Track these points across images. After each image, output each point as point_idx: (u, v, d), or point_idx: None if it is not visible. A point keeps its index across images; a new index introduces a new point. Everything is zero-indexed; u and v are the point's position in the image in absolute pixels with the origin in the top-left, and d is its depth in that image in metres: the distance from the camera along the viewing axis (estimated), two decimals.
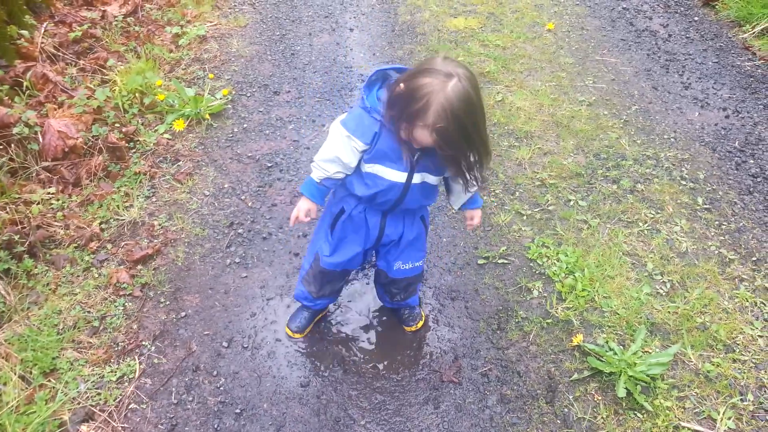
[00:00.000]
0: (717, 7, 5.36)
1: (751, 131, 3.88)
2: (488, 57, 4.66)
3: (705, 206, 3.28)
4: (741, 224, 3.17)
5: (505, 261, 2.95)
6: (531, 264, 2.93)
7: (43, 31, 4.39)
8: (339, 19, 5.28)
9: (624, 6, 5.59)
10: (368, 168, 2.01)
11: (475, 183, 1.95)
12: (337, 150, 1.98)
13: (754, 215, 3.22)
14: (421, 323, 2.65)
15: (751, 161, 3.62)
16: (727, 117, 4.02)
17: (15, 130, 3.33)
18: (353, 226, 2.23)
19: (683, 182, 3.44)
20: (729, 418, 2.27)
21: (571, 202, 3.29)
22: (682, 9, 5.55)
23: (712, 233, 3.10)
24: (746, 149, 3.72)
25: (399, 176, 1.99)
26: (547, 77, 4.43)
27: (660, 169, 3.54)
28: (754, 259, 2.96)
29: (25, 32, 4.17)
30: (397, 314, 2.69)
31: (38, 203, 3.09)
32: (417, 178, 2.01)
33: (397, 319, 2.68)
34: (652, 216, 3.20)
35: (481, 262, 2.94)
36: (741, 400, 2.34)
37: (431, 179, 2.06)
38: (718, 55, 4.77)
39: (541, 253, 2.95)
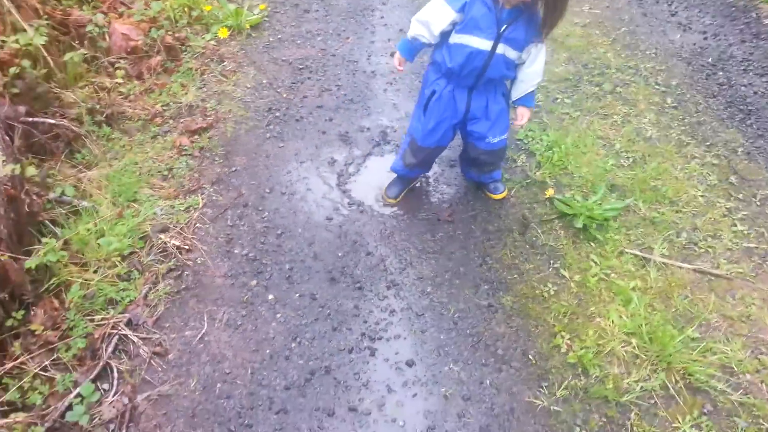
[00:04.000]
0: None
1: (725, 50, 4.39)
2: None
3: (672, 105, 3.83)
4: (702, 119, 3.72)
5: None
6: (518, 142, 3.53)
7: None
8: None
9: None
10: (457, 39, 2.35)
11: (546, 32, 2.34)
12: (430, 15, 2.34)
13: (715, 113, 3.77)
14: (505, 193, 3.14)
15: (720, 73, 4.14)
16: (705, 38, 4.52)
17: (87, 29, 3.95)
18: (443, 104, 2.59)
19: (657, 87, 3.99)
20: (664, 248, 2.88)
21: (558, 100, 3.86)
22: None
23: (675, 124, 3.67)
24: (718, 64, 4.24)
25: (485, 44, 2.31)
26: None
27: (638, 77, 4.08)
28: (707, 143, 3.52)
29: None
30: (483, 186, 3.15)
31: (109, 88, 3.73)
32: (500, 48, 2.33)
33: (484, 189, 3.16)
34: (626, 111, 3.77)
35: None
36: (676, 236, 2.95)
37: (512, 53, 2.37)
38: None
39: (527, 134, 3.54)
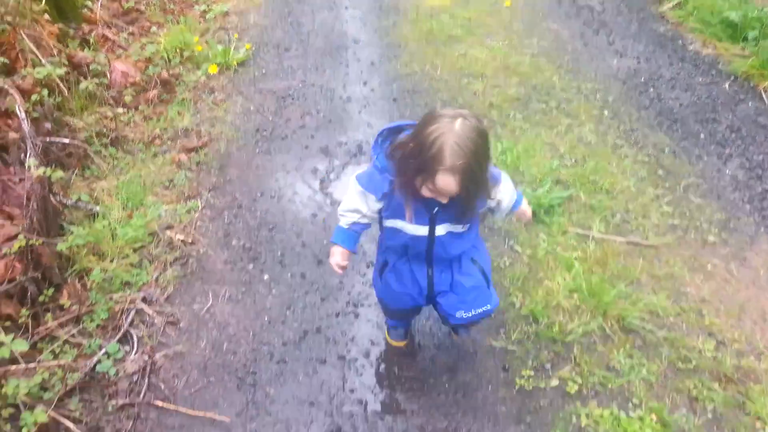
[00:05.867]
0: None
1: (655, 71, 5.03)
2: (456, 25, 5.83)
3: (609, 116, 4.41)
4: (635, 126, 4.30)
5: None
6: None
7: (99, 4, 5.53)
8: (336, 0, 6.44)
9: None
10: (389, 223, 2.04)
11: (492, 200, 2.02)
12: (355, 202, 2.03)
13: (646, 121, 4.36)
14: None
15: (651, 90, 4.76)
16: (638, 62, 5.17)
17: (91, 67, 4.44)
18: (400, 278, 2.19)
19: (596, 102, 4.58)
20: (601, 227, 3.38)
21: (511, 115, 4.41)
22: None
23: (612, 131, 4.24)
24: (649, 83, 4.87)
25: (420, 230, 1.97)
26: (501, 39, 5.59)
27: (580, 95, 4.68)
28: (639, 145, 4.09)
29: (88, 2, 5.32)
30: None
31: (113, 116, 4.19)
32: (441, 230, 1.97)
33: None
34: (569, 122, 4.33)
35: None
36: (612, 217, 3.45)
37: (458, 227, 2.00)
38: (640, 22, 5.94)
39: None
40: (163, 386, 2.54)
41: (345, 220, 2.11)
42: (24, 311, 2.54)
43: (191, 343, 2.74)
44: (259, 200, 3.62)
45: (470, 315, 2.16)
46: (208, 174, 3.81)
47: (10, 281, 2.56)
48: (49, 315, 2.67)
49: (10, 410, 2.18)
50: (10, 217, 2.92)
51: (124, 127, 4.19)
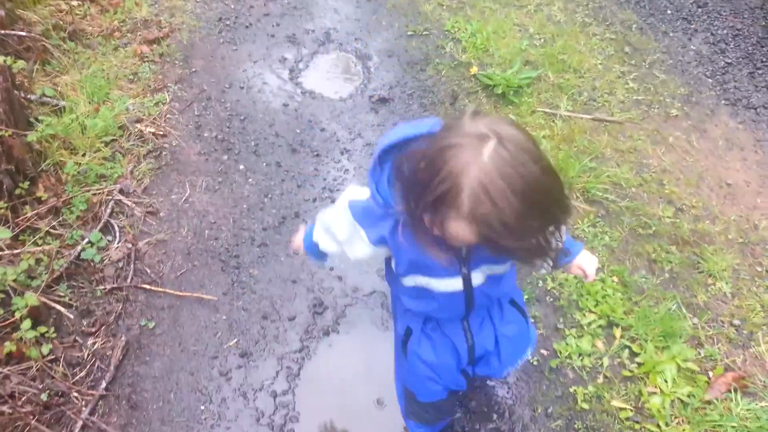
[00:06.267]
0: None
1: None
2: None
3: None
4: (603, 4, 4.26)
5: (427, 33, 4.01)
6: (446, 32, 4.00)
7: None
8: None
9: None
10: (409, 282, 1.47)
11: (551, 262, 1.33)
12: (340, 231, 1.47)
13: None
14: None
15: None
16: None
17: None
18: (435, 346, 1.60)
19: None
20: (568, 105, 3.44)
21: None
22: None
23: (580, 10, 4.20)
24: None
25: (453, 284, 1.40)
26: None
27: None
28: (607, 23, 4.08)
29: None
30: None
31: (67, 10, 3.98)
32: (478, 278, 1.41)
33: None
34: (538, 1, 4.27)
35: (410, 33, 4.00)
36: (579, 95, 3.51)
37: (499, 269, 1.45)
38: None
39: (454, 26, 4.01)
40: (149, 271, 2.63)
41: (321, 240, 1.58)
42: (1, 203, 2.55)
43: (173, 231, 2.81)
44: (227, 91, 3.57)
45: (515, 367, 1.75)
46: (173, 66, 3.72)
47: None
48: (27, 207, 2.69)
49: (1, 296, 2.25)
50: None
51: (80, 21, 4.00)
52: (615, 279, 2.57)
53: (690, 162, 3.12)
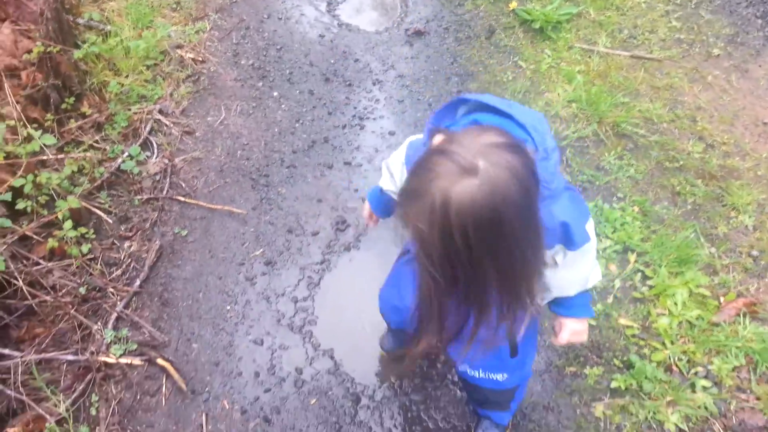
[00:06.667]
0: None
1: None
2: None
3: None
4: None
5: None
6: None
7: None
8: None
9: None
10: None
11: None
12: (395, 167, 1.56)
13: None
14: None
15: None
16: None
17: None
18: (412, 272, 1.40)
19: None
20: (607, 42, 3.37)
21: None
22: None
23: None
24: None
25: None
26: None
27: None
28: None
29: None
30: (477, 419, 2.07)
31: None
32: None
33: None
34: None
35: None
36: (619, 32, 3.43)
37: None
38: None
39: None
40: (183, 185, 2.77)
41: (381, 180, 1.64)
42: (49, 116, 2.71)
43: (207, 150, 2.93)
44: (266, 21, 3.64)
45: (477, 376, 1.67)
46: None
47: (32, 87, 2.71)
48: (72, 121, 2.84)
49: (46, 197, 2.42)
50: (27, 34, 3.00)
51: None
52: (636, 209, 2.57)
53: (726, 101, 3.04)
